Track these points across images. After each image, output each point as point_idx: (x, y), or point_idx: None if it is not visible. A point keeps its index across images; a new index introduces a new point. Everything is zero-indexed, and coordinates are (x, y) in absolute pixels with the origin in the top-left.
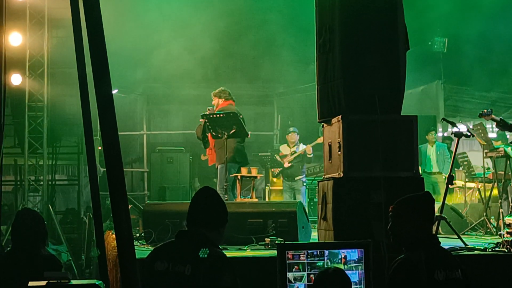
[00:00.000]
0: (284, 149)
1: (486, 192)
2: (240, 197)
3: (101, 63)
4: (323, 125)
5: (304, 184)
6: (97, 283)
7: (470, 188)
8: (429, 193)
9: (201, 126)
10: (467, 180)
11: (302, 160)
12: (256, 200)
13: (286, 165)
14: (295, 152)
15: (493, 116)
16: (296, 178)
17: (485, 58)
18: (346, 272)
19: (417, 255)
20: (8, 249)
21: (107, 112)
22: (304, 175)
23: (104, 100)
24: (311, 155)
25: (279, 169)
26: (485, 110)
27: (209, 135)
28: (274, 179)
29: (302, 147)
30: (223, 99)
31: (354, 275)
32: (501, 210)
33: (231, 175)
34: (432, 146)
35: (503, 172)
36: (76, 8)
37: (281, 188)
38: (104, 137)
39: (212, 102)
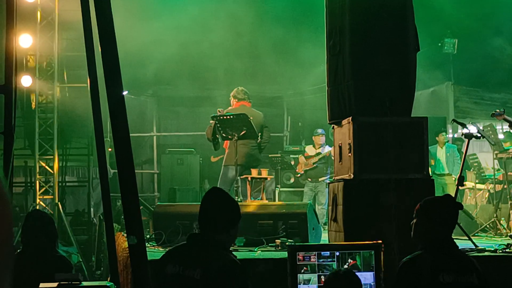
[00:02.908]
0: (310, 150)
1: (496, 194)
2: (251, 199)
3: (113, 65)
4: (333, 126)
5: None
6: (108, 284)
7: (480, 190)
8: (453, 198)
9: (211, 128)
10: (477, 181)
11: (327, 162)
12: (267, 201)
13: (300, 170)
14: (319, 153)
15: (505, 116)
16: (320, 179)
17: (496, 59)
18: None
19: (425, 255)
20: (19, 250)
21: (119, 114)
22: (328, 177)
23: (115, 102)
24: (332, 157)
25: (304, 167)
26: (498, 110)
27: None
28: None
29: (327, 148)
30: (236, 100)
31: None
32: (511, 212)
33: (241, 177)
34: (442, 147)
35: None
36: (86, 10)
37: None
38: (116, 139)
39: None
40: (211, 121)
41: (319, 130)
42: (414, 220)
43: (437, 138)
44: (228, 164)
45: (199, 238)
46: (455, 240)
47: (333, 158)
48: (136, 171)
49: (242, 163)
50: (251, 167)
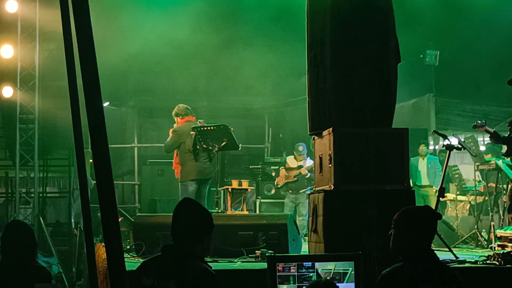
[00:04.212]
0: (291, 161)
1: (477, 205)
2: (231, 210)
3: (92, 78)
4: (314, 137)
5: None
6: None
7: (461, 201)
8: (431, 209)
9: (175, 138)
10: (458, 193)
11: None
12: (247, 212)
13: (281, 182)
14: (301, 166)
15: (486, 127)
16: (301, 191)
17: (477, 71)
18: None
19: (404, 267)
20: None
21: (99, 131)
22: (309, 188)
23: (95, 118)
24: (308, 175)
25: (285, 179)
26: (479, 122)
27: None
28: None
29: (309, 161)
30: (180, 117)
31: None
32: (492, 223)
33: (221, 188)
34: (423, 159)
35: (494, 185)
36: (67, 21)
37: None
38: (95, 157)
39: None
40: (192, 132)
41: (300, 148)
42: (393, 231)
43: (418, 149)
44: (185, 180)
45: (173, 249)
46: (435, 251)
47: (306, 177)
48: (117, 182)
49: (199, 178)
50: (208, 180)
